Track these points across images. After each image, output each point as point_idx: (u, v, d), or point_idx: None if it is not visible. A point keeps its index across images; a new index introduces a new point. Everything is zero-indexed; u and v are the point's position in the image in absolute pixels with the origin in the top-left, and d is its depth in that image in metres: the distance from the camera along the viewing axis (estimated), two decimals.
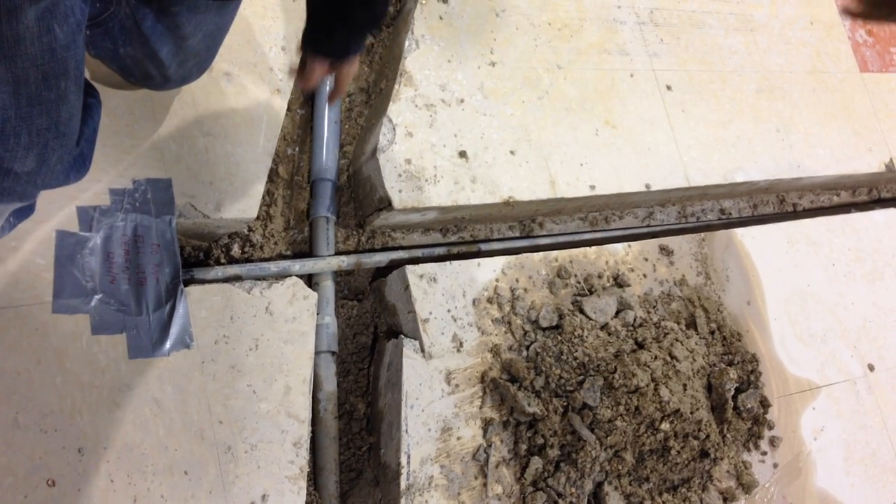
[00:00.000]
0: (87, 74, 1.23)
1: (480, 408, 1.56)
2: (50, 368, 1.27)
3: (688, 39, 2.15)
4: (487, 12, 1.90)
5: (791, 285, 2.00)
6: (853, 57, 2.43)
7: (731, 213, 2.21)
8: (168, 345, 1.36)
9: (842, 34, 2.44)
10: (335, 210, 1.70)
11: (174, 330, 1.36)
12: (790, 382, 1.88)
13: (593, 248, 1.82)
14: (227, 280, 1.49)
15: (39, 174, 0.97)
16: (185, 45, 1.24)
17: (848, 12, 0.65)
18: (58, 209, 1.33)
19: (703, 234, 1.96)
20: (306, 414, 1.46)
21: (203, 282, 1.46)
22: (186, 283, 1.42)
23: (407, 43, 1.76)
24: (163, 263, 1.38)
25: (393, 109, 1.69)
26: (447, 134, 1.73)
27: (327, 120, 1.72)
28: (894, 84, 2.45)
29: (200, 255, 1.55)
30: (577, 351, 1.60)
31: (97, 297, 1.31)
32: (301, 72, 1.31)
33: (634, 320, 1.72)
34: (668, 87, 2.06)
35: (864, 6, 0.63)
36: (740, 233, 2.00)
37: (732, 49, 2.21)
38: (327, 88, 1.72)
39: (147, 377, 1.33)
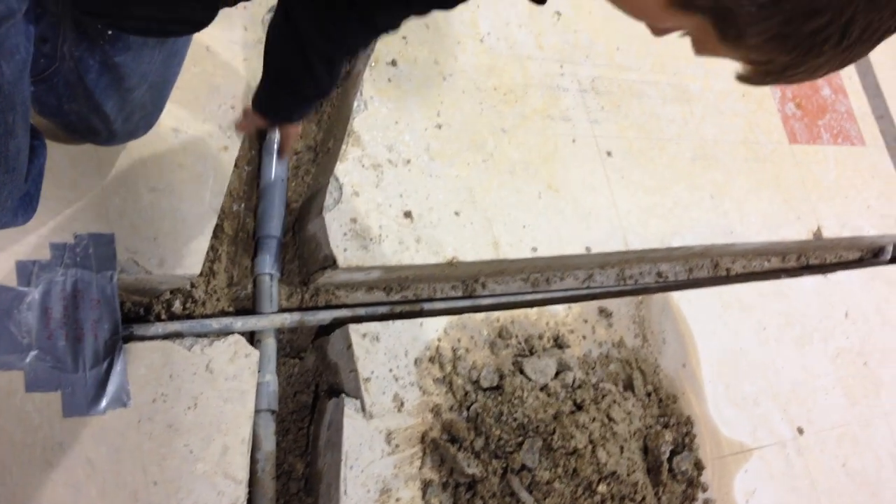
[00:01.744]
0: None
1: (420, 469, 1.56)
2: None
3: (628, 108, 2.23)
4: (435, 76, 1.94)
5: (724, 348, 2.06)
6: (783, 129, 2.54)
7: (667, 277, 2.28)
8: (104, 403, 1.33)
9: (772, 107, 2.56)
10: (280, 267, 1.70)
11: (111, 388, 1.34)
12: (723, 445, 1.92)
13: (534, 308, 1.85)
14: (167, 337, 1.47)
15: None
16: (130, 97, 1.24)
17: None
18: None
19: (640, 297, 2.01)
20: (244, 474, 1.44)
21: (143, 338, 1.45)
22: (126, 340, 1.40)
23: (356, 104, 1.79)
24: (102, 319, 1.36)
25: (340, 169, 1.71)
26: (393, 194, 1.75)
27: (274, 177, 1.73)
28: (821, 156, 2.57)
29: (141, 310, 1.53)
30: (517, 412, 1.62)
31: (33, 353, 1.29)
32: (244, 118, 1.50)
33: (574, 381, 1.75)
34: (609, 153, 2.13)
35: None
36: (676, 296, 2.06)
37: (670, 118, 2.30)
38: (275, 147, 1.74)
39: (81, 436, 1.30)
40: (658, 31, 0.77)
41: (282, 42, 1.23)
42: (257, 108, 1.44)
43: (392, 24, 1.16)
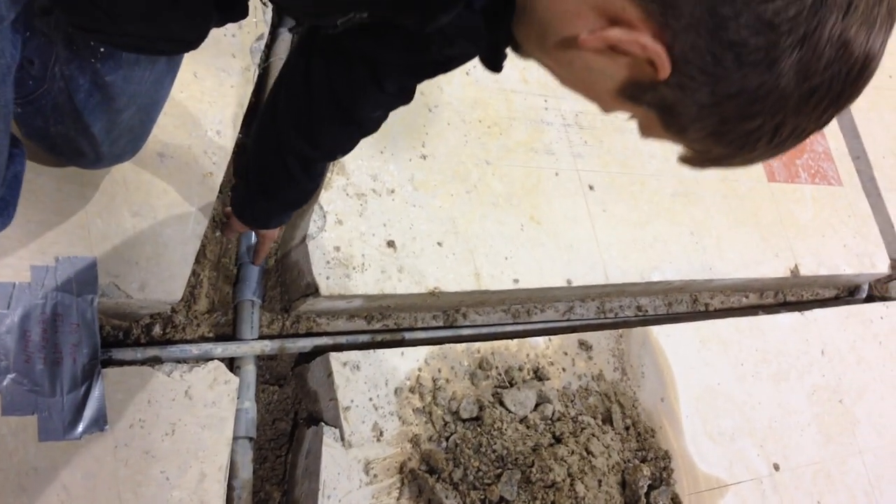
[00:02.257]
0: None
1: (398, 499, 1.55)
2: None
3: (610, 143, 2.26)
4: (420, 107, 1.96)
5: (702, 383, 2.07)
6: (761, 167, 2.58)
7: (647, 311, 2.29)
8: (80, 428, 1.32)
9: None
10: (262, 294, 1.70)
11: (88, 412, 1.33)
12: (700, 480, 1.92)
13: (515, 340, 1.86)
14: (146, 362, 1.46)
15: None
16: (118, 119, 1.24)
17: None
18: None
19: (620, 331, 2.02)
20: (220, 503, 1.43)
21: (122, 363, 1.44)
22: (104, 364, 1.39)
23: None
24: (81, 343, 1.35)
25: (324, 197, 1.71)
26: (377, 223, 1.76)
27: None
28: (799, 194, 2.61)
29: (120, 334, 1.52)
30: (495, 443, 1.61)
31: (10, 376, 1.27)
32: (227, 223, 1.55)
33: (553, 414, 1.75)
34: (591, 187, 2.15)
35: None
36: (656, 330, 2.07)
37: (651, 154, 2.33)
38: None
39: (56, 461, 1.28)
40: (608, 112, 0.83)
41: (261, 139, 1.25)
42: (235, 212, 1.47)
43: (373, 120, 1.16)
